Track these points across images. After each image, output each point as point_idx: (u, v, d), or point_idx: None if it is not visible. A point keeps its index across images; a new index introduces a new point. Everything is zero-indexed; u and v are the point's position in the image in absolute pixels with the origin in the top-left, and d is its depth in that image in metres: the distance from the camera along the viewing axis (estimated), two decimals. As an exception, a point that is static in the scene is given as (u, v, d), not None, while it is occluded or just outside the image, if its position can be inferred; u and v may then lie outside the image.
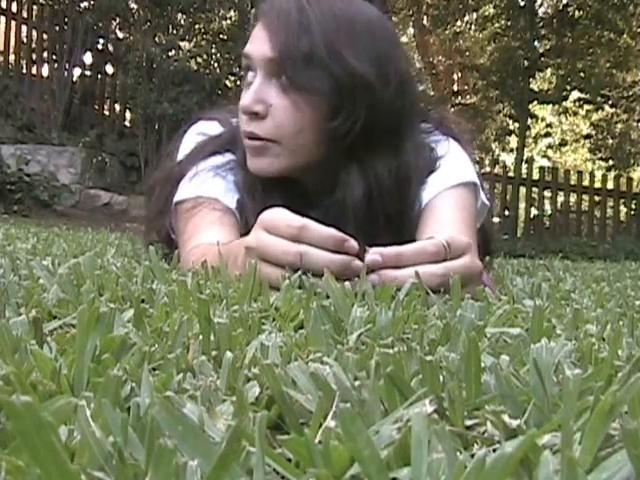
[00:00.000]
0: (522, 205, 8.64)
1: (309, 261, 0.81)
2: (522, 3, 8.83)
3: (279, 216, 0.86)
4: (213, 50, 8.57)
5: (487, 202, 1.28)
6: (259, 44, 1.12)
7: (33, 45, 7.97)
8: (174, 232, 1.25)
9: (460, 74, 12.13)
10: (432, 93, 10.61)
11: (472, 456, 0.29)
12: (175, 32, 8.13)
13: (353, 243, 0.83)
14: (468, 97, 11.12)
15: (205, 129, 1.30)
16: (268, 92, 1.11)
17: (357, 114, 1.11)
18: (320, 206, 1.13)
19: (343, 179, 1.15)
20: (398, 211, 1.15)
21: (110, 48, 8.28)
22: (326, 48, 1.09)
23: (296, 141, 1.13)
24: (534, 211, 8.34)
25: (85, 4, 8.05)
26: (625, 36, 9.62)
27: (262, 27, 1.14)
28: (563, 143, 12.94)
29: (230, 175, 1.22)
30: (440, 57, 12.59)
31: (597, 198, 8.22)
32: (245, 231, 1.11)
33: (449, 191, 1.17)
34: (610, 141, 11.60)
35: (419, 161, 1.19)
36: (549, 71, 9.94)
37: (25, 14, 7.92)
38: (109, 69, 8.28)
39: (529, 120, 9.18)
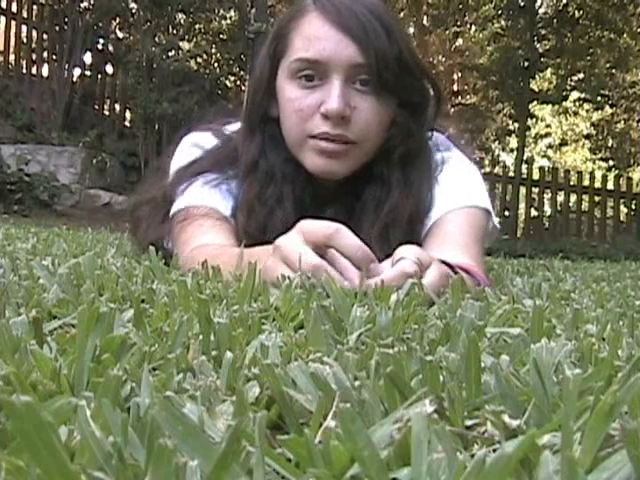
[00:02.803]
0: (522, 205, 8.65)
1: (323, 275, 0.79)
2: (522, 3, 8.83)
3: (319, 222, 0.85)
4: (213, 50, 8.58)
5: (498, 226, 1.29)
6: (340, 49, 1.10)
7: (33, 45, 7.98)
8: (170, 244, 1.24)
9: (460, 74, 12.13)
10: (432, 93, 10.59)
11: (472, 456, 0.29)
12: (175, 32, 8.14)
13: (378, 267, 0.82)
14: (468, 97, 11.12)
15: (199, 141, 1.28)
16: (349, 95, 1.11)
17: (422, 109, 1.20)
18: (331, 207, 1.15)
19: (379, 175, 1.17)
20: (410, 214, 1.17)
21: (110, 48, 8.29)
22: (407, 51, 1.15)
23: (373, 142, 1.15)
24: (534, 211, 8.34)
25: (85, 4, 8.06)
26: (625, 36, 9.62)
27: (336, 30, 1.11)
28: (563, 143, 12.94)
29: (224, 185, 1.22)
30: (440, 57, 12.59)
31: (597, 198, 8.22)
32: (242, 237, 1.11)
33: (461, 210, 1.18)
34: (610, 141, 11.61)
35: (430, 164, 1.22)
36: (549, 71, 9.94)
37: (25, 14, 7.93)
38: (109, 69, 8.29)
39: (529, 120, 9.18)
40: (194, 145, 1.28)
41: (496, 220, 1.28)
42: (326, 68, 1.11)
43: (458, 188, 1.20)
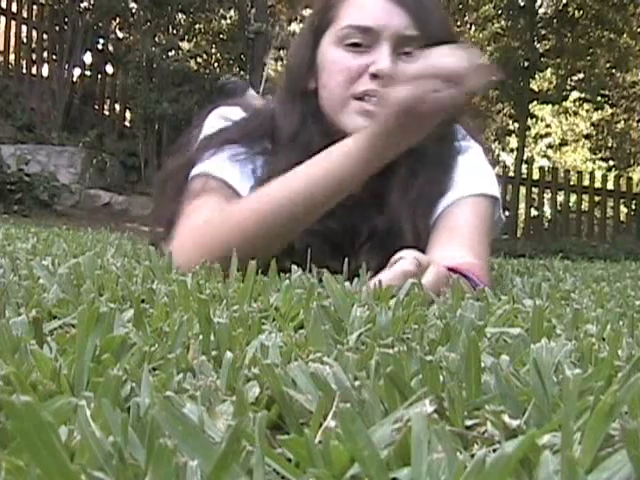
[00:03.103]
0: (522, 205, 8.65)
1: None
2: (522, 3, 8.83)
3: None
4: (213, 50, 8.58)
5: (503, 217, 1.29)
6: (393, 18, 1.12)
7: (33, 45, 7.97)
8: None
9: (460, 74, 12.09)
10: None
11: (472, 456, 0.29)
12: (175, 32, 8.14)
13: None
14: (468, 97, 11.11)
15: (228, 114, 1.27)
16: (397, 61, 1.12)
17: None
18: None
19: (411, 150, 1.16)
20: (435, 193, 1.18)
21: (110, 48, 8.28)
22: (448, 30, 1.18)
23: None
24: (534, 211, 8.35)
25: (85, 4, 8.05)
26: (625, 36, 9.62)
27: (387, 2, 1.13)
28: (563, 143, 12.94)
29: (249, 163, 1.20)
30: (440, 57, 12.55)
31: (597, 198, 8.22)
32: None
33: (469, 199, 1.18)
34: (610, 141, 11.61)
35: (453, 147, 1.23)
36: (549, 71, 9.94)
37: (25, 14, 7.93)
38: (109, 69, 8.29)
39: (529, 120, 9.18)
40: (222, 117, 1.27)
41: (501, 211, 1.28)
42: (376, 36, 1.12)
43: (470, 175, 1.21)
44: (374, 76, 1.11)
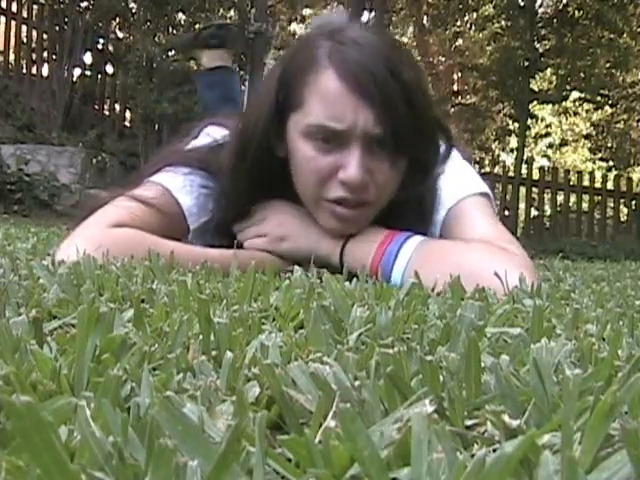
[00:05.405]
0: (522, 205, 8.65)
1: None
2: (522, 3, 8.83)
3: None
4: (213, 50, 8.57)
5: (495, 209, 1.34)
6: (359, 117, 1.07)
7: (33, 45, 7.98)
8: None
9: (460, 74, 12.13)
10: (432, 93, 10.60)
11: (472, 456, 0.29)
12: (175, 32, 8.14)
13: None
14: (468, 97, 11.12)
15: (215, 134, 1.27)
16: (369, 159, 1.10)
17: (434, 165, 1.18)
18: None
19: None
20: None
21: (110, 48, 8.29)
22: (425, 112, 1.12)
23: (387, 200, 1.15)
24: (534, 211, 8.35)
25: (85, 4, 8.06)
26: (625, 36, 9.62)
27: (355, 96, 1.07)
28: (563, 143, 12.94)
29: (211, 196, 1.21)
30: (440, 57, 12.59)
31: (597, 198, 8.22)
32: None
33: (469, 199, 1.21)
34: (610, 141, 11.61)
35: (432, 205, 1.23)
36: (549, 71, 9.94)
37: (25, 14, 7.93)
38: (109, 69, 8.29)
39: (529, 120, 9.18)
40: (210, 136, 1.28)
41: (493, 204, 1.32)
42: (346, 136, 1.08)
43: (460, 178, 1.24)
44: (343, 182, 1.09)
